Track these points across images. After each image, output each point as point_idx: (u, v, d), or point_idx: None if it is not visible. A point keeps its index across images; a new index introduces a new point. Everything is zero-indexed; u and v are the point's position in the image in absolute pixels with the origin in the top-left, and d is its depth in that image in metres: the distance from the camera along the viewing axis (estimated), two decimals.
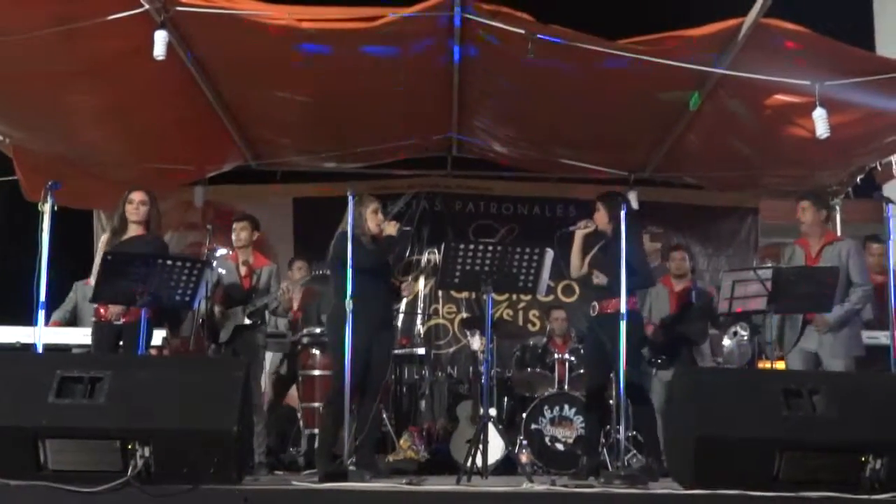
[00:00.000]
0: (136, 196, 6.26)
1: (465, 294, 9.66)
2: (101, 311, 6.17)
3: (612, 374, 6.13)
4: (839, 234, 8.94)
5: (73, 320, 7.48)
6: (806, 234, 6.49)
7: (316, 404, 7.50)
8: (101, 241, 6.37)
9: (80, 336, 6.75)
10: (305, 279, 7.63)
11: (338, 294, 5.86)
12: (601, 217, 6.22)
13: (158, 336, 6.86)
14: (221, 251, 7.20)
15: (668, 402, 7.37)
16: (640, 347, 6.35)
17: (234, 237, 7.15)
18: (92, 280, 6.31)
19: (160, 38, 5.82)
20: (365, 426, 6.01)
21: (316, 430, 7.28)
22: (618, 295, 5.74)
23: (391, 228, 6.09)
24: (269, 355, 7.65)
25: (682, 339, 7.42)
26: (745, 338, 7.73)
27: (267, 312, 7.16)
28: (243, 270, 7.07)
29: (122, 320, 6.09)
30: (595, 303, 6.17)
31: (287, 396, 8.01)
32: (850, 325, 6.29)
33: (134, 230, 6.27)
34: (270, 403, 7.81)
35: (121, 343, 6.16)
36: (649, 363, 7.36)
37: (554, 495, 4.75)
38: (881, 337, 6.59)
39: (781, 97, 6.99)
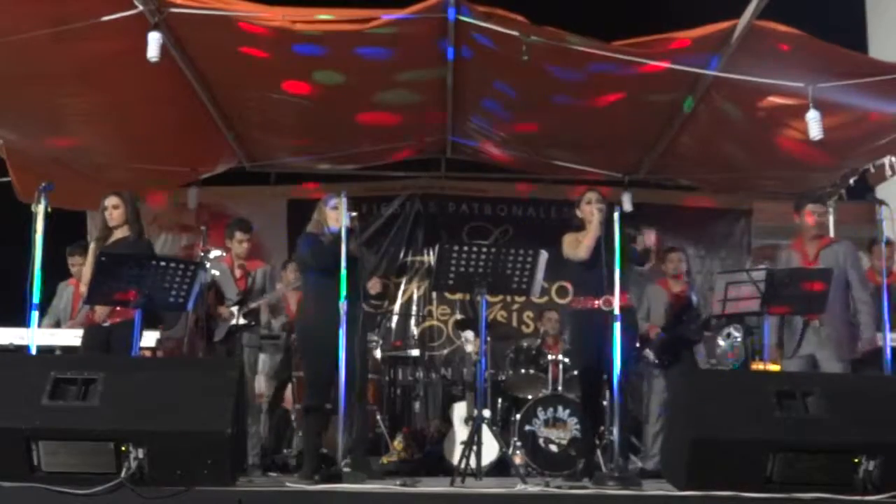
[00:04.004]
0: (108, 202, 6.32)
1: (459, 296, 9.65)
2: (90, 315, 6.26)
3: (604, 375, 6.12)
4: (832, 235, 8.98)
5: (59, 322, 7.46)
6: (804, 238, 6.49)
7: None
8: (90, 249, 6.45)
9: (72, 337, 6.73)
10: (294, 282, 7.62)
11: (302, 297, 5.96)
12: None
13: (152, 337, 6.85)
14: (215, 253, 7.19)
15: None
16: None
17: (234, 246, 7.16)
18: (82, 287, 6.37)
19: (154, 40, 5.80)
20: (361, 428, 6.04)
21: None
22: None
23: (345, 220, 5.85)
24: (262, 356, 7.64)
25: (682, 339, 7.45)
26: (739, 339, 7.76)
27: (261, 313, 7.17)
28: (238, 272, 7.10)
29: (109, 321, 6.15)
30: (608, 297, 5.76)
31: (283, 398, 8.00)
32: (850, 329, 6.30)
33: (119, 232, 6.33)
34: (269, 405, 7.80)
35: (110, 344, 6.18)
36: (652, 365, 7.41)
37: (547, 497, 4.76)
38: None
39: (775, 99, 7.01)
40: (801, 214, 6.44)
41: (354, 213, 5.93)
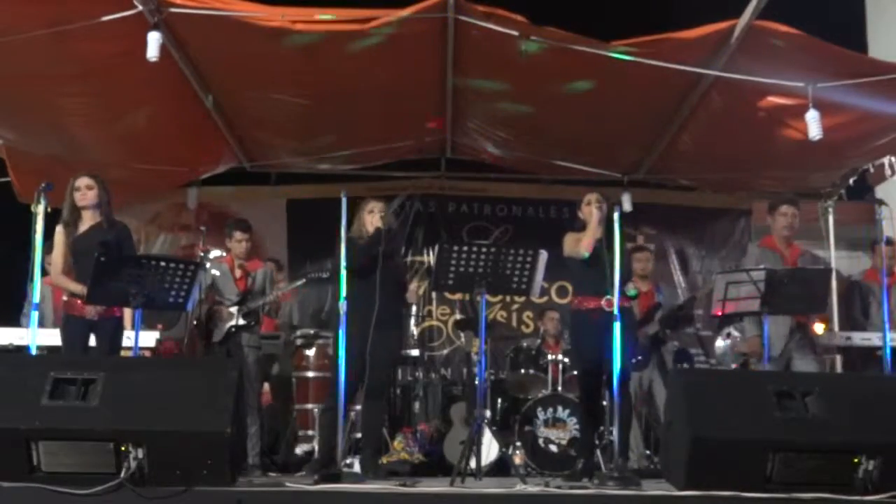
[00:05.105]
0: (81, 182, 5.92)
1: (458, 296, 9.66)
2: (74, 303, 5.92)
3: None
4: (832, 236, 9.01)
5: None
6: (775, 238, 6.54)
7: (310, 406, 7.51)
8: (57, 234, 6.01)
9: (57, 338, 6.62)
10: (296, 283, 7.62)
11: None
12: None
13: (151, 337, 6.84)
14: (215, 253, 7.19)
15: (645, 402, 7.57)
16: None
17: (234, 246, 7.13)
18: (52, 275, 6.15)
19: (153, 40, 5.80)
20: (368, 428, 6.03)
21: (310, 432, 7.31)
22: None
23: (376, 220, 6.04)
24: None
25: (651, 339, 7.48)
26: (739, 339, 7.75)
27: (261, 313, 7.18)
28: (238, 273, 7.09)
29: (98, 316, 5.90)
30: (608, 297, 5.77)
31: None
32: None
33: (89, 218, 5.97)
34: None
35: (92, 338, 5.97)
36: None
37: (547, 497, 4.76)
38: (874, 338, 6.61)
39: (774, 99, 7.01)
40: (774, 214, 6.54)
41: (381, 213, 6.08)
